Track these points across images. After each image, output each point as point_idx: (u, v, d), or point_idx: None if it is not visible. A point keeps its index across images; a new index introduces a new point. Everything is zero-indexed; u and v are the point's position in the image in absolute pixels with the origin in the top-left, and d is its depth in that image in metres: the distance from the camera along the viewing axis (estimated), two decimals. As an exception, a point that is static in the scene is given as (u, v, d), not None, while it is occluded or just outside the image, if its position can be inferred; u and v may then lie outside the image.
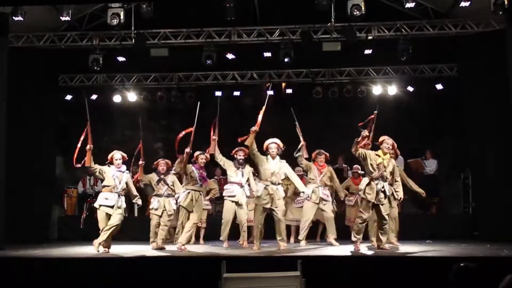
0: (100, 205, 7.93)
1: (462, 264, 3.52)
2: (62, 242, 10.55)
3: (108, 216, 7.92)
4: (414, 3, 9.61)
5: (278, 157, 7.99)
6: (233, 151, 8.84)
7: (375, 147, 7.79)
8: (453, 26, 10.46)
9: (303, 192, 8.59)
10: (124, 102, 12.79)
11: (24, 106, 10.61)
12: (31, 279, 6.54)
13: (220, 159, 8.65)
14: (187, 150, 8.07)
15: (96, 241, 7.96)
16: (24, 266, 6.90)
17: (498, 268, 4.53)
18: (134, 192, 8.30)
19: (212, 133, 8.53)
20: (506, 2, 8.57)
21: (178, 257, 7.56)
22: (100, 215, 7.96)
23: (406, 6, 9.69)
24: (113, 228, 7.87)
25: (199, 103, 8.44)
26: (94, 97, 12.50)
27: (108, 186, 7.97)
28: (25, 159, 10.52)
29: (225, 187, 9.06)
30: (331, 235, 9.07)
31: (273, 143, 7.99)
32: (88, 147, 7.86)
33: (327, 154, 9.33)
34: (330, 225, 9.14)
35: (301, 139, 8.88)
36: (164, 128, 13.26)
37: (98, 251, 7.85)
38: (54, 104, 11.81)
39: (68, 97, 12.64)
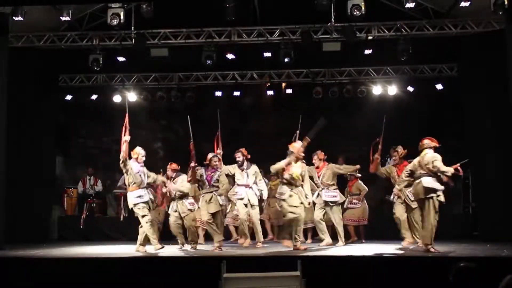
0: (135, 204, 7.82)
1: (462, 264, 3.52)
2: (62, 242, 10.55)
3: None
4: (414, 3, 9.59)
5: (299, 161, 8.01)
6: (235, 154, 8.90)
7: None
8: (453, 26, 10.44)
9: (306, 196, 8.06)
10: (124, 102, 12.75)
11: (24, 106, 10.60)
12: (31, 279, 6.54)
13: (225, 169, 8.65)
14: (192, 164, 8.30)
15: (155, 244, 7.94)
16: (24, 266, 6.90)
17: (498, 268, 4.54)
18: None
19: (216, 147, 8.66)
20: (506, 2, 8.55)
21: (178, 257, 7.57)
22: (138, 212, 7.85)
23: (406, 6, 9.66)
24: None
25: (188, 117, 8.55)
26: (94, 97, 12.50)
27: (135, 183, 7.84)
28: (25, 159, 10.52)
29: (233, 189, 8.93)
30: (340, 237, 9.14)
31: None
32: (125, 138, 7.70)
33: (320, 153, 9.21)
34: (338, 227, 9.16)
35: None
36: (164, 128, 13.26)
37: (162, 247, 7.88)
38: (54, 104, 11.80)
39: (68, 97, 12.60)
